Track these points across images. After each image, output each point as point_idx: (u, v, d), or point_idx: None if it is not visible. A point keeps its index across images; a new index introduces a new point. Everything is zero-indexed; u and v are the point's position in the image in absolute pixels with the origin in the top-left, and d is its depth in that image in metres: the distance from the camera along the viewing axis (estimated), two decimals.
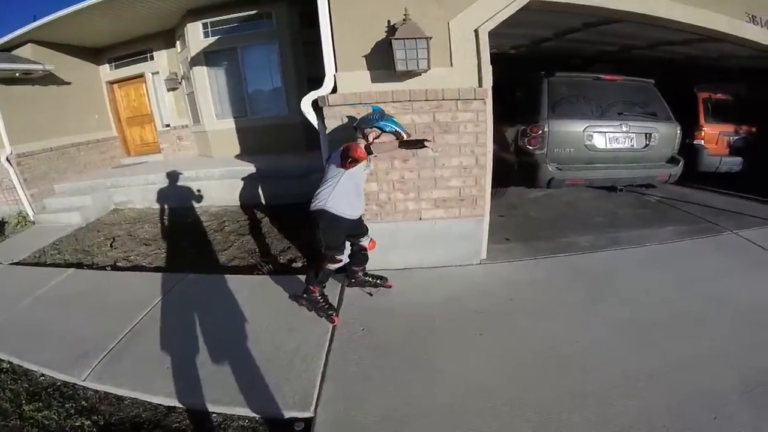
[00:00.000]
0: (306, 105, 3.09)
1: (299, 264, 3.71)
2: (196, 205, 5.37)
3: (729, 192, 5.56)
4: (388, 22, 2.88)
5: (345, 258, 2.67)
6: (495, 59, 3.05)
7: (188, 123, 6.68)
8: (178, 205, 5.41)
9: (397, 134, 2.45)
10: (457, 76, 2.97)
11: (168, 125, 6.97)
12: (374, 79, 2.99)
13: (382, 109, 2.54)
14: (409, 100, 2.93)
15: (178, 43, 6.42)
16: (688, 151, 5.16)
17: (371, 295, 2.96)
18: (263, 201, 5.19)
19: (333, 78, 3.01)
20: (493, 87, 3.09)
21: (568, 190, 5.24)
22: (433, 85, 2.94)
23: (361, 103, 2.88)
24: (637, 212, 4.67)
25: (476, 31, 2.92)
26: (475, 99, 2.94)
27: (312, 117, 3.14)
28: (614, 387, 2.03)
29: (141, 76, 6.84)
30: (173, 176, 5.44)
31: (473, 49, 2.95)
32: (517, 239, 3.83)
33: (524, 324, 2.57)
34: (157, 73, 6.72)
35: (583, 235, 3.90)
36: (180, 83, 6.54)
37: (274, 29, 5.73)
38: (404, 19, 2.82)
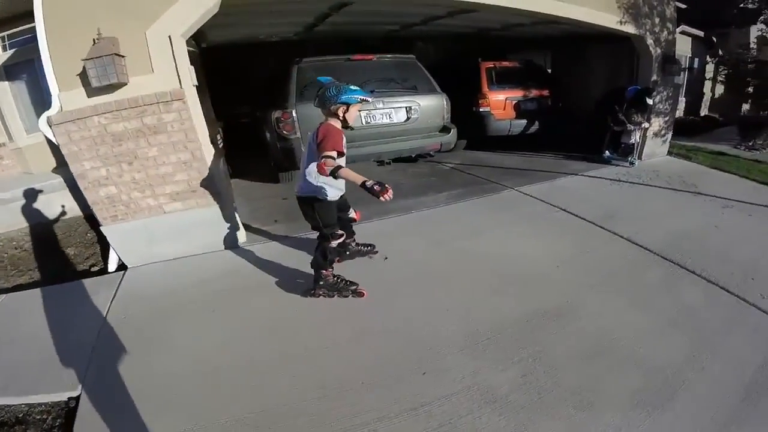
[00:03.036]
0: (43, 124, 3.61)
1: (97, 268, 4.25)
2: (18, 224, 5.86)
3: (527, 152, 6.49)
4: (94, 41, 3.47)
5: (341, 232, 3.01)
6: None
7: (5, 141, 7.06)
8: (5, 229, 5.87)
9: (363, 101, 2.66)
10: (159, 81, 3.54)
11: None
12: (88, 95, 3.51)
13: (331, 80, 2.71)
14: (117, 110, 3.54)
15: None
16: (476, 118, 6.04)
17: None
18: (79, 210, 5.73)
19: (57, 98, 3.56)
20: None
21: (363, 166, 5.93)
22: (137, 92, 3.50)
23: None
24: (422, 182, 5.41)
25: (170, 38, 3.53)
26: (173, 100, 3.54)
27: (50, 135, 3.69)
28: (323, 348, 2.50)
29: None
30: None
31: (170, 54, 3.54)
32: (287, 219, 4.40)
33: (254, 299, 3.13)
34: None
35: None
36: None
37: None
38: (97, 39, 3.43)
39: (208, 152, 3.83)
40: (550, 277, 3.15)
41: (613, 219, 4.19)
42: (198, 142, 3.73)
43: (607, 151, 6.20)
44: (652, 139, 6.14)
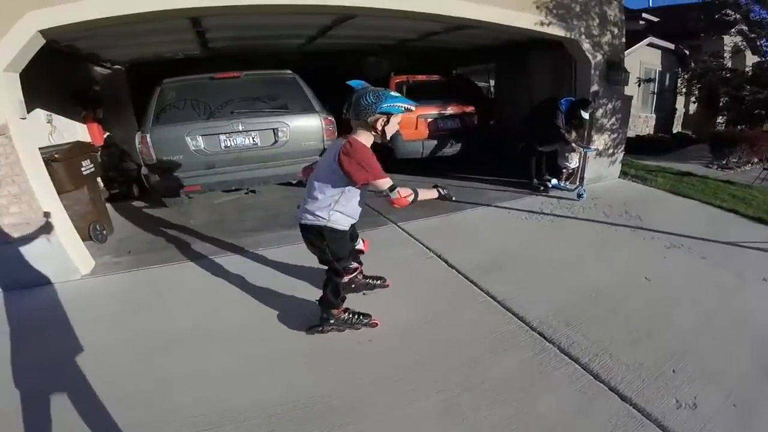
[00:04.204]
0: None
1: None
2: None
3: (450, 177, 5.78)
4: None
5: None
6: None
7: None
8: None
9: (407, 110, 2.27)
10: None
11: None
12: None
13: (364, 84, 2.31)
14: None
15: None
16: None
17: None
18: None
19: None
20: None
21: (256, 195, 5.67)
22: None
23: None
24: (294, 212, 4.83)
25: None
26: None
27: None
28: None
29: None
30: None
31: None
32: (143, 251, 4.32)
33: (85, 333, 3.04)
34: None
35: (208, 242, 4.36)
36: None
37: None
38: None
39: (40, 185, 3.94)
40: (356, 355, 2.56)
41: (498, 271, 3.46)
42: (24, 176, 3.84)
43: (554, 180, 5.40)
44: (596, 159, 5.30)
